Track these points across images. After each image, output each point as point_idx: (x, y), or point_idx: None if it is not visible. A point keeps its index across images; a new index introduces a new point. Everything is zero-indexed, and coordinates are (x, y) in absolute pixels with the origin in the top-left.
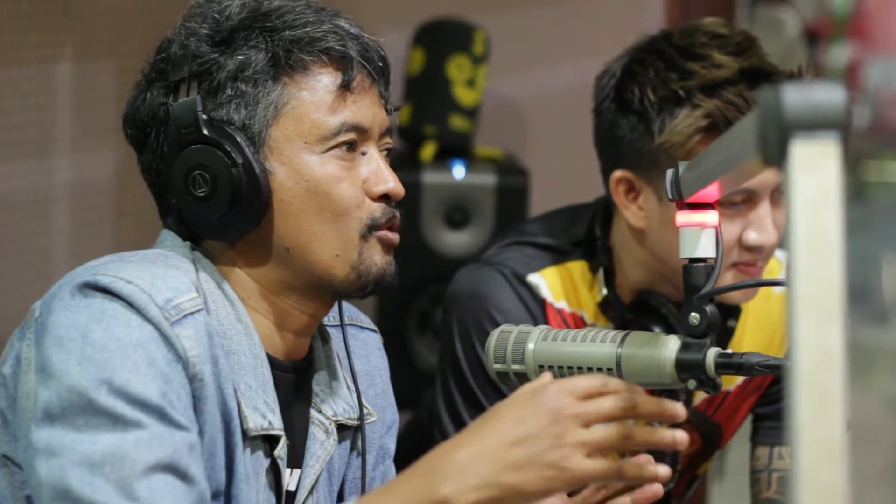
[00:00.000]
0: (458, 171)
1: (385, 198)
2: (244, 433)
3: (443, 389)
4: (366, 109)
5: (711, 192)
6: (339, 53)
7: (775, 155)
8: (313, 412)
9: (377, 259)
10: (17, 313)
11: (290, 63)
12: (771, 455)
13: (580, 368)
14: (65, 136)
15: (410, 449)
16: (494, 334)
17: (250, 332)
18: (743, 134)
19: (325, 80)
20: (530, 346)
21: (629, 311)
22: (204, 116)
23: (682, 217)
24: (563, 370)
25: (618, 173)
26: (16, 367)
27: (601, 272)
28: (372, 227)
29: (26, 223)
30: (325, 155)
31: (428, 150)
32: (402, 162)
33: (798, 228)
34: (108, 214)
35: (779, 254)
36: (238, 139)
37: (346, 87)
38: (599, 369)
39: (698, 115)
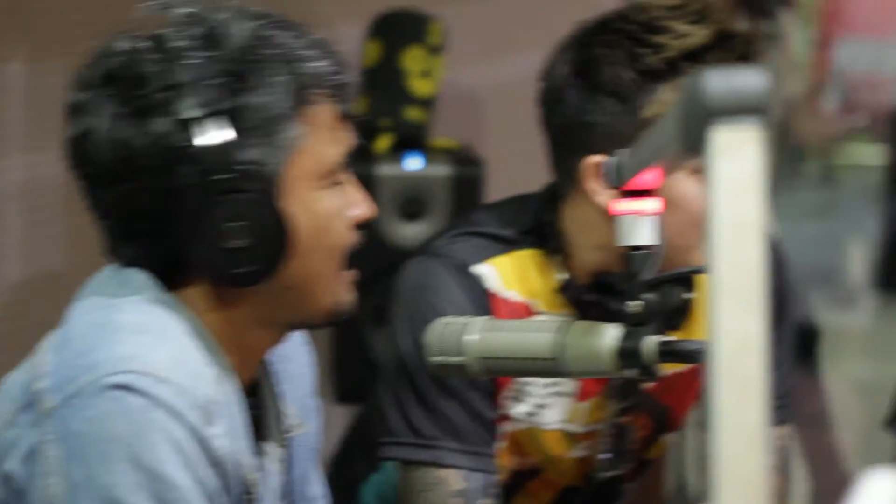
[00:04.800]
0: (414, 163)
1: (359, 224)
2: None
3: (387, 383)
4: (352, 134)
5: (651, 179)
6: (336, 84)
7: (697, 141)
8: (265, 445)
9: (349, 295)
10: None
11: (306, 100)
12: None
13: (521, 359)
14: (16, 136)
15: (358, 442)
16: (435, 327)
17: (232, 376)
18: (668, 120)
19: (327, 113)
20: (471, 337)
21: (589, 293)
22: (237, 164)
23: (621, 205)
24: (504, 361)
25: (591, 159)
26: (30, 462)
27: (556, 257)
28: (347, 260)
29: None
30: (327, 190)
31: (383, 142)
32: (358, 154)
33: (719, 214)
34: (59, 214)
35: None
36: (268, 185)
37: (343, 118)
38: (540, 359)
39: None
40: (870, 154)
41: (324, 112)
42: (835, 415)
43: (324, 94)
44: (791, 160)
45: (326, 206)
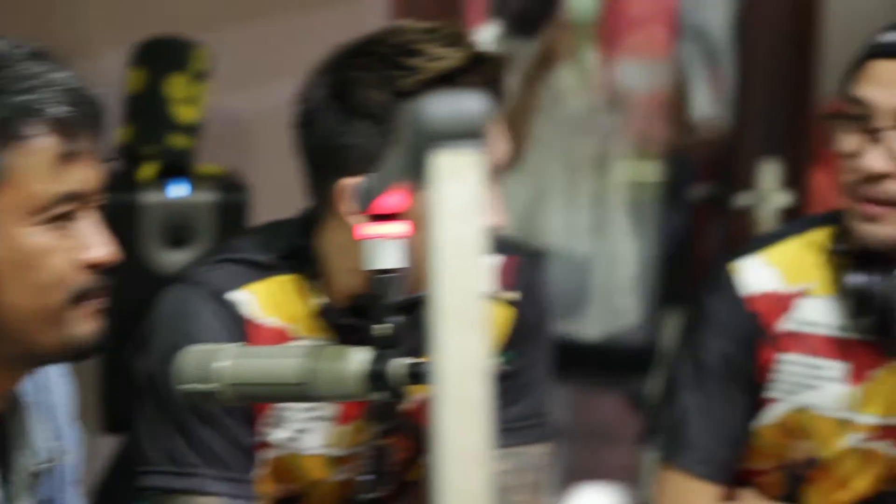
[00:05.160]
0: (179, 190)
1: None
2: None
3: (144, 412)
4: (85, 173)
5: (395, 203)
6: (60, 119)
7: (421, 166)
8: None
9: (83, 329)
10: None
11: (16, 132)
12: None
13: (272, 385)
14: None
15: (121, 472)
16: (185, 354)
17: None
18: (395, 144)
19: (45, 147)
20: (221, 364)
21: (347, 316)
22: None
23: (366, 229)
24: (255, 387)
25: (346, 181)
26: None
27: (314, 282)
28: (80, 297)
29: None
30: (42, 227)
31: (148, 170)
32: (122, 183)
33: (441, 238)
34: None
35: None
36: None
37: (67, 156)
38: (290, 384)
39: None
40: (646, 171)
41: (42, 146)
42: (616, 429)
43: (43, 128)
44: (570, 178)
45: (35, 243)
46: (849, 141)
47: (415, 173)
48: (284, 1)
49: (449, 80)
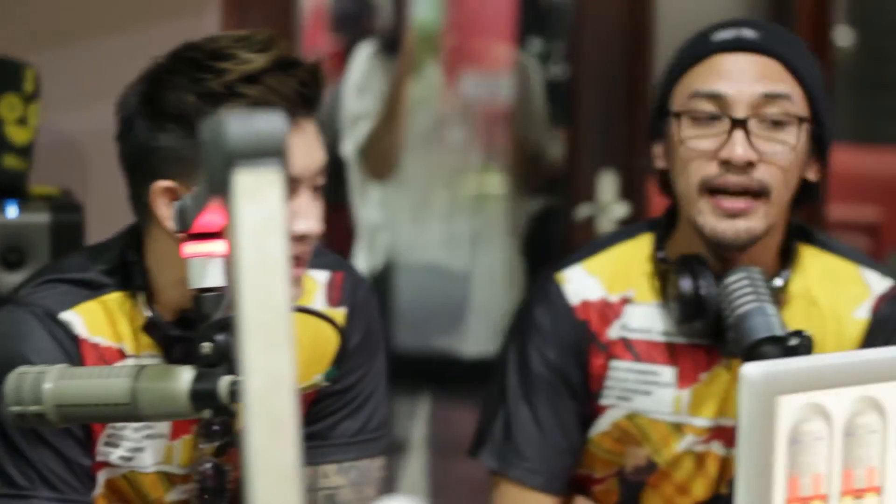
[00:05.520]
0: (11, 211)
1: None
2: None
3: None
4: None
5: (217, 221)
6: None
7: (221, 184)
8: None
9: None
10: None
11: None
12: (316, 474)
13: (98, 405)
14: None
15: None
16: (12, 377)
17: None
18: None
19: None
20: (47, 385)
21: (174, 329)
22: None
23: (190, 248)
24: (81, 408)
25: (160, 184)
26: None
27: (140, 296)
28: None
29: None
30: None
31: None
32: None
33: (244, 256)
34: None
35: (316, 273)
36: None
37: None
38: (117, 404)
39: (240, 105)
40: (495, 184)
41: None
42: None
43: None
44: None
45: None
46: (704, 138)
47: (223, 191)
48: (117, 20)
49: (253, 80)
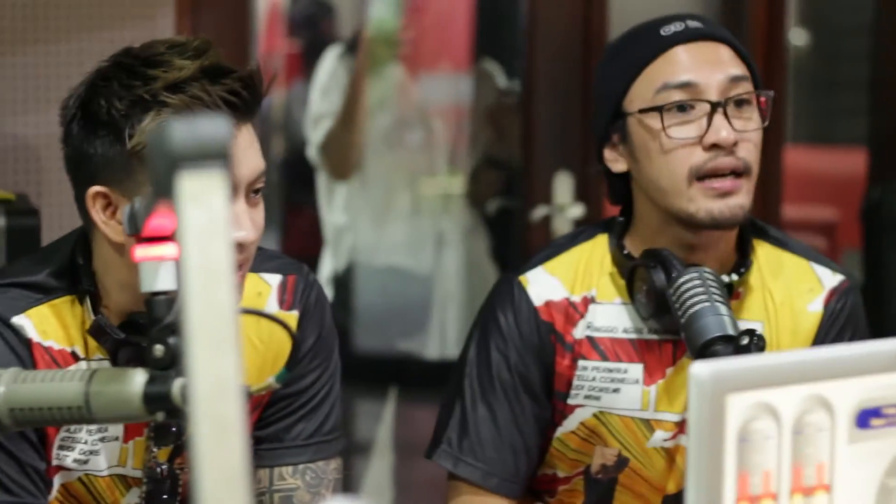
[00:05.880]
0: None
1: None
2: None
3: None
4: None
5: (168, 225)
6: None
7: (166, 188)
8: None
9: None
10: None
11: None
12: (272, 476)
13: (50, 409)
14: None
15: None
16: None
17: None
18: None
19: None
20: (0, 389)
21: (120, 333)
22: None
23: (141, 251)
24: (33, 412)
25: (93, 189)
26: None
27: (87, 299)
28: None
29: None
30: None
31: None
32: None
33: (190, 259)
34: None
35: (268, 277)
36: None
37: None
38: (69, 408)
39: (166, 113)
40: (454, 184)
41: None
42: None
43: None
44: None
45: None
46: (683, 126)
47: (169, 194)
48: (71, 22)
49: (179, 87)
